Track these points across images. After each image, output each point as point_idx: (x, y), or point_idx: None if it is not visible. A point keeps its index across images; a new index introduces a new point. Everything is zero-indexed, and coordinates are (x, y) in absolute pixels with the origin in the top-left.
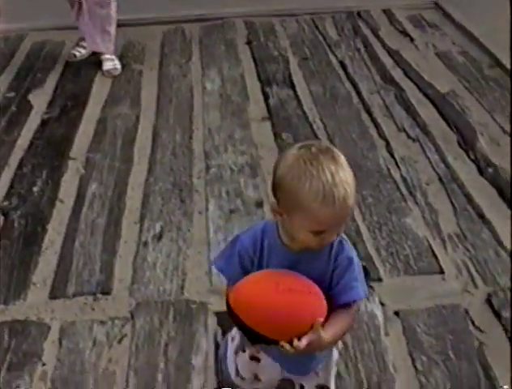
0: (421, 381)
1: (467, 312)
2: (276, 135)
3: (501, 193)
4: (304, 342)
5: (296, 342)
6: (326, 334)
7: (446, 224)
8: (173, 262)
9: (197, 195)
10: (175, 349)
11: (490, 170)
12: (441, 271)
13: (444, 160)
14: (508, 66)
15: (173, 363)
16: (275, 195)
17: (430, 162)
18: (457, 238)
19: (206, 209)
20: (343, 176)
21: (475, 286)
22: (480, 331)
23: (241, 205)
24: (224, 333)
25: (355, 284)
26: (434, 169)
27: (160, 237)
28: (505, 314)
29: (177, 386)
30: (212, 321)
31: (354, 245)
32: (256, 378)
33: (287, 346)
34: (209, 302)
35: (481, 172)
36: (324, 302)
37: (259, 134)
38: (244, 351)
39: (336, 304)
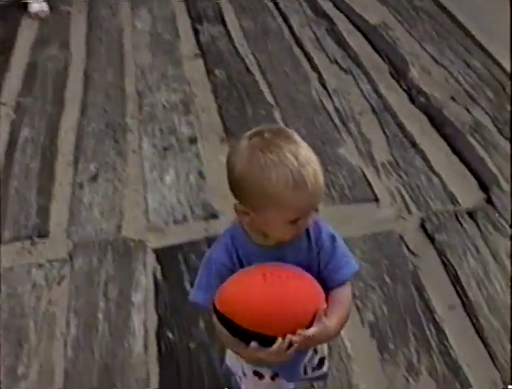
0: (358, 306)
1: (401, 237)
2: (209, 72)
3: (432, 121)
4: (310, 331)
5: (300, 331)
6: (331, 321)
7: (379, 153)
8: (110, 203)
9: (131, 135)
10: (115, 288)
11: (421, 99)
12: (376, 199)
13: (376, 91)
14: None
15: (114, 301)
16: (236, 196)
17: (363, 93)
18: (390, 166)
19: (141, 148)
20: (306, 154)
21: (409, 212)
22: (414, 255)
23: (175, 142)
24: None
25: (345, 259)
26: (367, 100)
27: (95, 178)
28: (439, 237)
29: (118, 324)
30: (151, 258)
31: None
32: None
33: (294, 338)
34: (147, 240)
35: (413, 101)
36: (318, 286)
37: (191, 71)
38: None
39: (331, 285)
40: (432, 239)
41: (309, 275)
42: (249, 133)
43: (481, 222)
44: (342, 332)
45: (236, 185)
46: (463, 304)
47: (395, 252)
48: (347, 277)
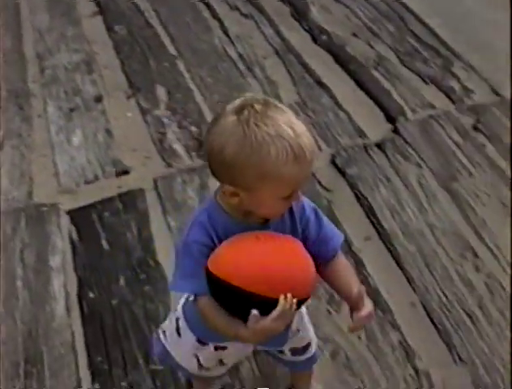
0: None
1: (313, 175)
2: (109, 29)
3: (336, 58)
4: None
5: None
6: (360, 286)
7: (286, 94)
8: (18, 170)
9: (34, 99)
10: (31, 254)
11: (324, 37)
12: None
13: (278, 33)
14: None
15: (31, 268)
16: (223, 178)
17: (265, 36)
18: (298, 106)
19: (46, 112)
20: (297, 122)
21: (319, 149)
22: (327, 190)
23: (81, 102)
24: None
25: (331, 229)
26: (270, 43)
27: (0, 146)
28: (350, 171)
29: (38, 290)
30: (65, 221)
31: (197, 127)
32: (221, 363)
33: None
34: (60, 203)
35: (315, 40)
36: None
37: (91, 30)
38: (204, 344)
39: (325, 257)
40: (343, 173)
41: (299, 242)
42: (232, 107)
43: (390, 152)
44: None
45: (227, 167)
46: (379, 233)
47: (308, 189)
48: (338, 246)
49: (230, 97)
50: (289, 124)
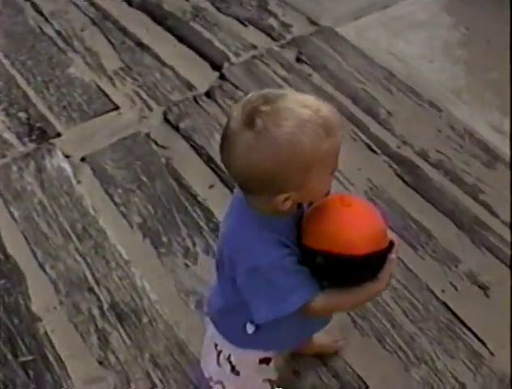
0: (123, 212)
1: (148, 135)
2: None
3: (153, 17)
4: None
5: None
6: None
7: (109, 63)
8: None
9: None
10: None
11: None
12: (116, 107)
13: (93, 4)
14: None
15: None
16: (270, 191)
17: (80, 9)
18: (122, 72)
19: None
20: (305, 97)
21: (150, 109)
22: (165, 148)
23: None
24: None
25: None
26: (86, 14)
27: None
28: (183, 125)
29: None
30: None
31: (25, 112)
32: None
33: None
34: None
35: (130, 3)
36: None
37: None
38: (267, 361)
39: None
40: (177, 128)
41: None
42: (238, 123)
43: (220, 99)
44: (114, 239)
45: (271, 180)
46: (221, 179)
47: (146, 151)
48: None
49: (53, 76)
50: (302, 104)
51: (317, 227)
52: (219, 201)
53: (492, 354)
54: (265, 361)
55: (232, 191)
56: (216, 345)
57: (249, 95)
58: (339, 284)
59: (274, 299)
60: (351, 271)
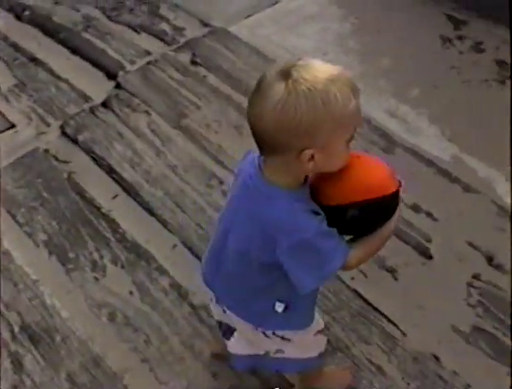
0: (27, 231)
1: (47, 151)
2: None
3: (44, 30)
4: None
5: None
6: None
7: (3, 80)
8: None
9: None
10: None
11: (27, 13)
12: (12, 126)
13: None
14: None
15: None
16: (301, 144)
17: None
18: (17, 89)
19: None
20: (325, 63)
21: (47, 124)
22: (65, 162)
23: None
24: None
25: None
26: None
27: None
28: (82, 137)
29: None
30: None
31: None
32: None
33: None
34: None
35: (20, 18)
36: None
37: None
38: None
39: None
40: (76, 141)
41: None
42: (272, 76)
43: (117, 108)
44: (20, 260)
45: (304, 131)
46: (124, 188)
47: (46, 167)
48: None
49: None
50: (327, 64)
51: (340, 184)
52: (124, 210)
53: (404, 334)
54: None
55: (135, 200)
56: (256, 328)
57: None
58: (365, 231)
59: (321, 264)
60: (384, 211)
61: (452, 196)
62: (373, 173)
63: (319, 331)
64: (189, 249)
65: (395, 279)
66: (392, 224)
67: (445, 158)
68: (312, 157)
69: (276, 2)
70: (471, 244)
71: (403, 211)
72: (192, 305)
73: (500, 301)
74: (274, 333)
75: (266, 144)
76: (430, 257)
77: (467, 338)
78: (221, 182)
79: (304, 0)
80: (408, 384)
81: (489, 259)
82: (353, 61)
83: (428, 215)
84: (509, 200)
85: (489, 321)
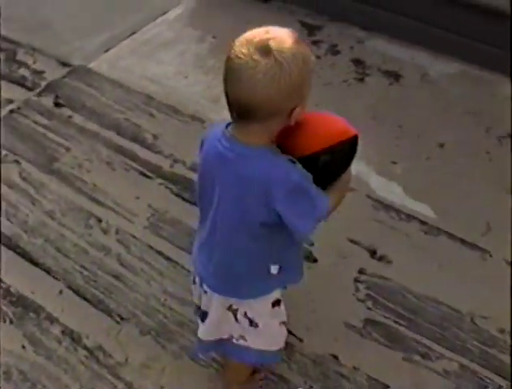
0: None
1: None
2: None
3: None
4: None
5: None
6: None
7: None
8: None
9: None
10: None
11: None
12: None
13: None
14: None
15: None
16: (293, 102)
17: None
18: None
19: None
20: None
21: None
22: None
23: None
24: None
25: None
26: None
27: None
28: None
29: None
30: None
31: None
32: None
33: None
34: None
35: None
36: None
37: None
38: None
39: None
40: None
41: None
42: (251, 55)
43: None
44: None
45: (296, 89)
46: (3, 242)
47: None
48: None
49: None
50: (278, 28)
51: (310, 134)
52: (5, 264)
53: (300, 340)
54: (277, 304)
55: (16, 252)
56: (230, 306)
57: (245, 36)
58: (333, 178)
59: (312, 207)
60: (350, 154)
61: None
62: (335, 120)
63: (283, 323)
64: (76, 292)
65: (284, 287)
66: (348, 173)
67: None
68: (299, 109)
69: (133, 33)
70: (352, 240)
71: None
72: (87, 348)
73: (387, 291)
74: (245, 314)
75: (261, 113)
76: (315, 260)
77: (360, 332)
78: (100, 220)
79: (159, 27)
80: (311, 387)
81: (372, 252)
82: (214, 80)
83: None
84: (382, 193)
85: (379, 312)
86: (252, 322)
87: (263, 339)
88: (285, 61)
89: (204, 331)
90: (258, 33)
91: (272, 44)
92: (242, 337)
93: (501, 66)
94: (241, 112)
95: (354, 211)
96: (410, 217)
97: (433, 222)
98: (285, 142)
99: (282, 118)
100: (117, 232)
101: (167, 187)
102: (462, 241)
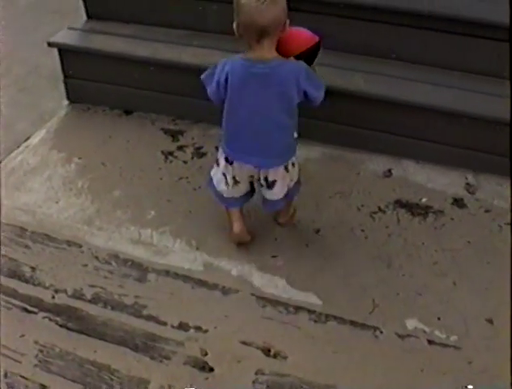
0: None
1: None
2: None
3: None
4: None
5: None
6: None
7: None
8: None
9: None
10: None
11: None
12: None
13: None
14: None
15: None
16: (285, 18)
17: None
18: None
19: None
20: None
21: None
22: None
23: None
24: None
25: None
26: None
27: None
28: None
29: None
30: None
31: None
32: (235, 182)
33: None
34: None
35: None
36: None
37: None
38: (218, 164)
39: None
40: None
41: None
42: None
43: None
44: None
45: (284, 9)
46: None
47: None
48: None
49: None
50: None
51: (294, 43)
52: None
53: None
54: (227, 161)
55: None
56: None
57: None
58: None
59: (319, 80)
60: (317, 50)
61: (214, 303)
62: (306, 33)
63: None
64: None
65: None
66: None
67: (198, 268)
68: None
69: None
70: (245, 342)
71: (171, 334)
72: None
73: (288, 386)
74: (293, 164)
75: (273, 28)
76: (211, 369)
77: None
78: None
79: (24, 154)
80: None
81: (266, 351)
82: (86, 201)
83: (197, 329)
84: (267, 289)
85: None
86: (294, 165)
87: (297, 173)
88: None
89: (277, 192)
90: None
91: None
92: (292, 180)
93: (361, 142)
94: (261, 33)
95: (242, 312)
96: (298, 309)
97: (321, 309)
98: (279, 49)
99: (280, 31)
100: (5, 375)
101: (51, 320)
102: (352, 323)
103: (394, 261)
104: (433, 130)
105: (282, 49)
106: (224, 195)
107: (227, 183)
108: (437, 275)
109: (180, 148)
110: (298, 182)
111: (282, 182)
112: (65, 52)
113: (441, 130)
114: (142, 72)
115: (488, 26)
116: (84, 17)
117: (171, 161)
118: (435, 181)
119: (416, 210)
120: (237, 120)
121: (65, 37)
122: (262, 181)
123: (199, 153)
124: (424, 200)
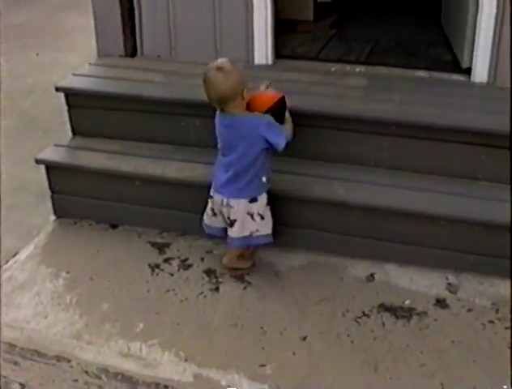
0: None
1: None
2: None
3: None
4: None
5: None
6: None
7: None
8: None
9: None
10: None
11: None
12: None
13: None
14: None
15: None
16: (241, 89)
17: None
18: None
19: None
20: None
21: None
22: None
23: None
24: None
25: None
26: None
27: None
28: None
29: None
30: None
31: None
32: (213, 212)
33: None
34: None
35: None
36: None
37: None
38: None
39: None
40: None
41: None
42: (213, 69)
43: None
44: None
45: (241, 85)
46: None
47: None
48: None
49: None
50: (218, 59)
51: (260, 103)
52: None
53: None
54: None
55: None
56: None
57: (209, 66)
58: (279, 120)
59: (280, 129)
60: (284, 106)
61: None
62: (269, 94)
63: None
64: None
65: None
66: (287, 113)
67: (188, 379)
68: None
69: None
70: None
71: None
72: None
73: None
74: (259, 213)
75: (228, 99)
76: None
77: None
78: None
79: (11, 271)
80: None
81: None
82: (74, 315)
83: None
84: None
85: None
86: (262, 218)
87: (266, 226)
88: (231, 70)
89: (235, 230)
90: (211, 64)
91: (219, 65)
92: (258, 230)
93: (343, 248)
94: (219, 101)
95: None
96: None
97: None
98: (249, 108)
99: (241, 97)
100: None
101: None
102: None
103: (380, 365)
104: (413, 233)
105: (251, 108)
106: (205, 221)
107: (207, 213)
108: (425, 377)
109: (166, 261)
110: (267, 236)
111: (241, 223)
112: (52, 168)
113: (420, 232)
114: (127, 187)
115: (459, 131)
116: (70, 133)
117: (157, 274)
118: (417, 282)
119: (400, 312)
120: (219, 158)
121: (52, 154)
122: (227, 219)
123: (185, 265)
124: (407, 302)
